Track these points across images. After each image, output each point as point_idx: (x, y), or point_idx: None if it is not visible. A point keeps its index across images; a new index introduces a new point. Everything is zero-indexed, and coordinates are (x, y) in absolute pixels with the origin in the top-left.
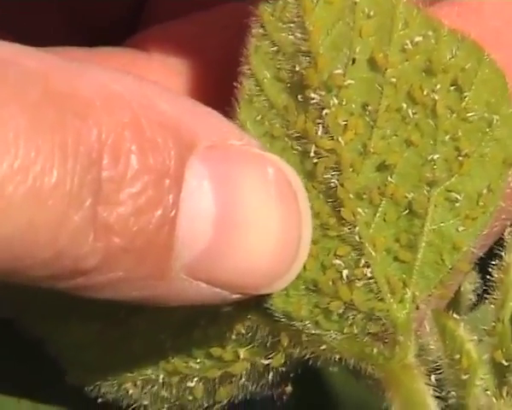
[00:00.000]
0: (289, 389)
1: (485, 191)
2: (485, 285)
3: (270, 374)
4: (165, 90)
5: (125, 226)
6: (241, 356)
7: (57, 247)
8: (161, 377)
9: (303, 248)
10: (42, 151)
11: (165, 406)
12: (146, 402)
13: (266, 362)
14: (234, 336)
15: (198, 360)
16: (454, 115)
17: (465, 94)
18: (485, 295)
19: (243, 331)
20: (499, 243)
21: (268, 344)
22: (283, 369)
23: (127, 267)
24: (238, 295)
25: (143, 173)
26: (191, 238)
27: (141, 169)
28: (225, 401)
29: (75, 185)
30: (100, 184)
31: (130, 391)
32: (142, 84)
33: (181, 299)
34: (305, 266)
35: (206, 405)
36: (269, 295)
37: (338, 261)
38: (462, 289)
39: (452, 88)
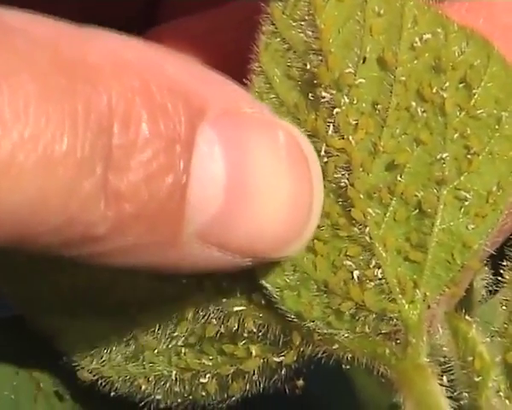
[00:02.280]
0: (301, 383)
1: (494, 189)
2: (497, 281)
3: (283, 370)
4: (175, 56)
5: (136, 193)
6: (254, 353)
7: (68, 214)
8: (174, 373)
9: (314, 213)
10: (52, 119)
11: (178, 400)
12: (159, 397)
13: (278, 359)
14: (245, 334)
15: (211, 357)
16: (463, 113)
17: (474, 91)
18: (497, 288)
19: (254, 330)
20: (510, 243)
21: (280, 342)
22: (296, 365)
23: (138, 234)
24: (249, 261)
25: (154, 140)
26: (202, 204)
27: (151, 135)
28: (239, 396)
29: (86, 153)
30: (110, 151)
31: (143, 387)
32: (151, 50)
33: (192, 265)
34: (316, 267)
35: (219, 399)
36: (280, 295)
37: (349, 262)
38: (473, 285)
39: (461, 85)
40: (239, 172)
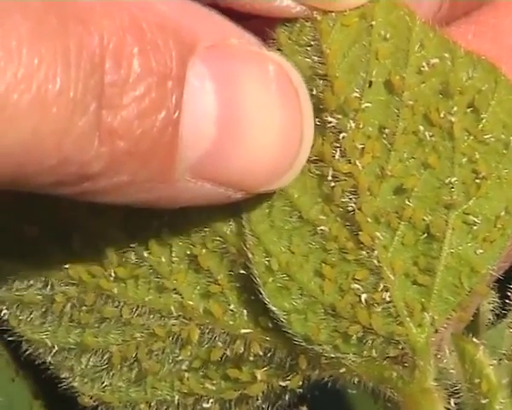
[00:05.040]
0: (305, 409)
1: (503, 213)
2: (504, 304)
3: (287, 395)
4: None
5: (129, 130)
6: (259, 378)
7: (62, 153)
8: (176, 398)
9: (305, 145)
10: (45, 59)
11: None
12: None
13: (284, 384)
14: (251, 358)
15: (214, 382)
16: (471, 137)
17: (482, 116)
18: (504, 311)
19: (261, 353)
20: None
21: (286, 366)
22: (301, 390)
23: (132, 170)
24: (242, 194)
25: (146, 76)
26: (195, 139)
27: (143, 72)
28: None
29: (79, 91)
30: (103, 89)
31: None
32: None
33: (186, 200)
34: (323, 290)
35: None
36: (287, 318)
37: (356, 285)
38: (480, 309)
39: (469, 110)
40: (230, 106)
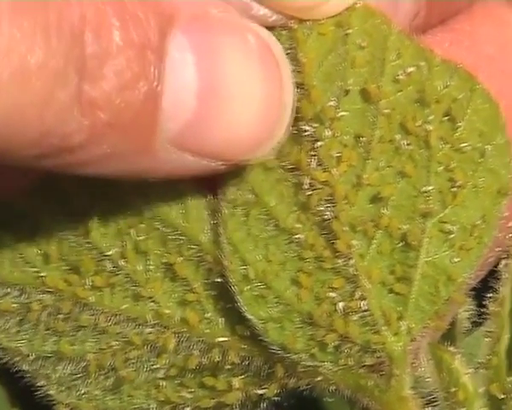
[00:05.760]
0: None
1: (479, 222)
2: (480, 312)
3: (264, 404)
4: None
5: (110, 101)
6: (235, 386)
7: (44, 126)
8: (153, 406)
9: (286, 114)
10: (25, 32)
11: None
12: None
13: (260, 392)
14: (228, 366)
15: (191, 390)
16: (447, 146)
17: (458, 124)
18: (480, 320)
19: (237, 361)
20: (494, 275)
21: (262, 374)
22: (277, 398)
23: (113, 142)
24: (223, 165)
25: (126, 48)
26: (176, 110)
27: (124, 44)
28: None
29: (60, 64)
30: (84, 61)
31: None
32: None
33: (167, 171)
34: (300, 299)
35: None
36: (264, 327)
37: (333, 294)
38: (457, 317)
39: (445, 118)
40: (211, 78)
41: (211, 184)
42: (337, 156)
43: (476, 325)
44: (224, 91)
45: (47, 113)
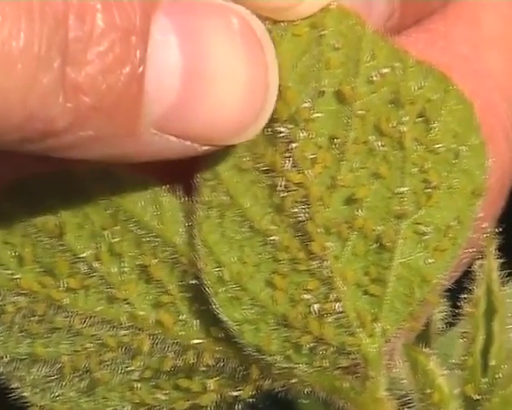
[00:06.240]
0: None
1: (453, 223)
2: (454, 313)
3: (239, 405)
4: None
5: (94, 85)
6: (210, 388)
7: (27, 110)
8: (128, 408)
9: (270, 96)
10: (8, 16)
11: None
12: None
13: (235, 394)
14: (203, 368)
15: (165, 392)
16: (422, 147)
17: (432, 125)
18: (454, 320)
19: (212, 363)
20: (468, 276)
21: (237, 376)
22: (252, 400)
23: (97, 126)
24: (207, 147)
25: (110, 31)
26: (159, 93)
27: (107, 27)
28: None
29: (43, 48)
30: (67, 45)
31: None
32: None
33: (152, 154)
34: (275, 301)
35: None
36: (239, 329)
37: (308, 296)
38: (431, 318)
39: (419, 119)
40: (194, 60)
41: (186, 185)
42: (312, 158)
43: (451, 325)
44: (207, 74)
45: (30, 97)
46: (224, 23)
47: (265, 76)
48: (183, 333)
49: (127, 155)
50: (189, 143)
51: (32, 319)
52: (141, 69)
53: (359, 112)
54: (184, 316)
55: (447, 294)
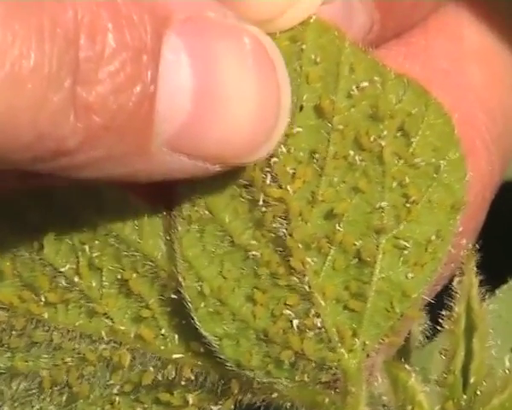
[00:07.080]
0: None
1: (433, 238)
2: (434, 327)
3: None
4: None
5: (105, 105)
6: (190, 402)
7: (38, 129)
8: None
9: (282, 116)
10: (19, 35)
11: None
12: None
13: (216, 408)
14: (183, 382)
15: (145, 406)
16: (401, 161)
17: (412, 139)
18: (434, 334)
19: (192, 378)
20: (448, 292)
21: (218, 390)
22: None
23: (109, 145)
24: (219, 166)
25: (121, 51)
26: (171, 112)
27: (118, 47)
28: None
29: (53, 67)
30: (78, 65)
31: None
32: None
33: (163, 173)
34: (255, 316)
35: None
36: (219, 343)
37: (288, 311)
38: (411, 331)
39: (399, 134)
40: (206, 80)
41: (166, 200)
42: (292, 173)
43: (429, 338)
44: (219, 93)
45: (41, 116)
46: (236, 44)
47: (277, 94)
48: (163, 348)
49: (138, 174)
50: (200, 162)
51: (11, 333)
52: (152, 88)
53: (339, 126)
54: (164, 330)
55: (427, 307)
